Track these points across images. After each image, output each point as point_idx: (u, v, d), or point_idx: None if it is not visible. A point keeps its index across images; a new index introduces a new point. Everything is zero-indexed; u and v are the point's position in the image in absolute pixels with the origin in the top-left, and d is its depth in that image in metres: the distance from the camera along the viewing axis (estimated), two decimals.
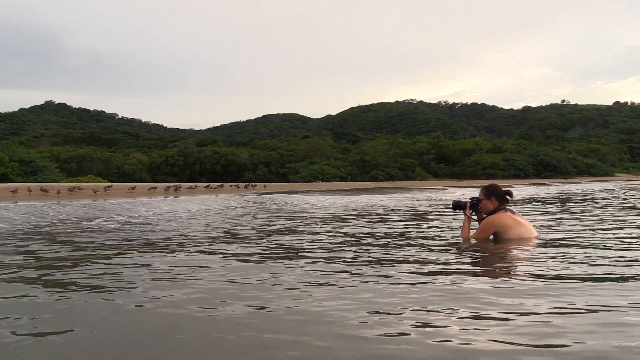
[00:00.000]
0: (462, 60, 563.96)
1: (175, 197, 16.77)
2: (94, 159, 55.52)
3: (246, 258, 3.77)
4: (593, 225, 5.99)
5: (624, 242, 4.40)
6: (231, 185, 27.95)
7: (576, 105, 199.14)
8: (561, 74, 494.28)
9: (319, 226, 6.77)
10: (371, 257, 3.75)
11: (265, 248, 4.43)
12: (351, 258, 3.70)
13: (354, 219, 8.11)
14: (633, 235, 4.92)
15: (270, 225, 7.00)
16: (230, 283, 2.78)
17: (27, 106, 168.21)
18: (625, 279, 2.76)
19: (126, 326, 1.99)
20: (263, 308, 2.20)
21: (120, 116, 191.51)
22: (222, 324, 2.01)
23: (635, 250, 3.91)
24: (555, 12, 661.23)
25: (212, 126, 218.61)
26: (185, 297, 2.44)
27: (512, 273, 3.09)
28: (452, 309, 2.12)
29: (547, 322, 1.94)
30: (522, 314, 2.04)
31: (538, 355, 1.60)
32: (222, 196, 17.50)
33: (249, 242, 4.86)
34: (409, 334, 1.81)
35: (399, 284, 2.70)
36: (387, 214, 9.05)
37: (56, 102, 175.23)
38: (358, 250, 4.13)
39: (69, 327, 1.97)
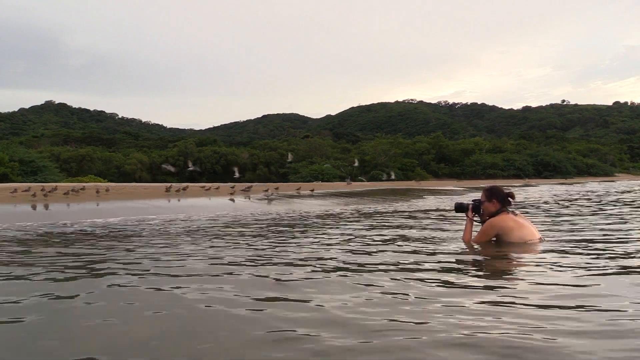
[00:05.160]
0: (462, 60, 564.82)
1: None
2: (94, 159, 55.48)
3: None
4: None
5: None
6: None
7: (576, 105, 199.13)
8: (561, 74, 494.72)
9: None
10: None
11: None
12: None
13: None
14: None
15: None
16: None
17: (27, 106, 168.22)
18: None
19: None
20: None
21: (120, 116, 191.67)
22: None
23: None
24: (555, 12, 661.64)
25: (212, 126, 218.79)
26: None
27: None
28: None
29: None
30: None
31: None
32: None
33: None
34: None
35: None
36: None
37: (56, 102, 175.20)
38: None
39: None
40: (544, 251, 3.95)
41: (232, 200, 15.63)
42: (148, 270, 3.47)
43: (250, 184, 29.16)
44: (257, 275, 3.22)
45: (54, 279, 3.25)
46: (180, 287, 2.87)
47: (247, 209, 12.16)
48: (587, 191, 20.37)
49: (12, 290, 2.95)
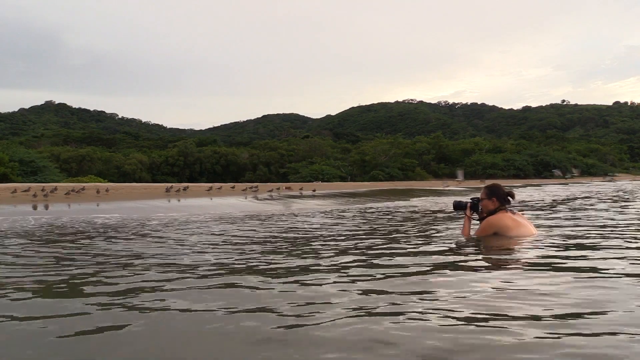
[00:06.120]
0: (462, 60, 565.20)
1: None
2: (94, 159, 55.55)
3: None
4: None
5: None
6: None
7: (576, 105, 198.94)
8: (561, 74, 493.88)
9: None
10: None
11: None
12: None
13: None
14: None
15: None
16: None
17: (27, 106, 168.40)
18: None
19: None
20: None
21: (120, 116, 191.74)
22: None
23: None
24: (555, 12, 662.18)
25: (212, 126, 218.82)
26: None
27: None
28: None
29: None
30: None
31: None
32: None
33: None
34: None
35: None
36: None
37: (56, 102, 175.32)
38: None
39: None
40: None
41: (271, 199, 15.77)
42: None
43: (256, 184, 29.24)
44: None
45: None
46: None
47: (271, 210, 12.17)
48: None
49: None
